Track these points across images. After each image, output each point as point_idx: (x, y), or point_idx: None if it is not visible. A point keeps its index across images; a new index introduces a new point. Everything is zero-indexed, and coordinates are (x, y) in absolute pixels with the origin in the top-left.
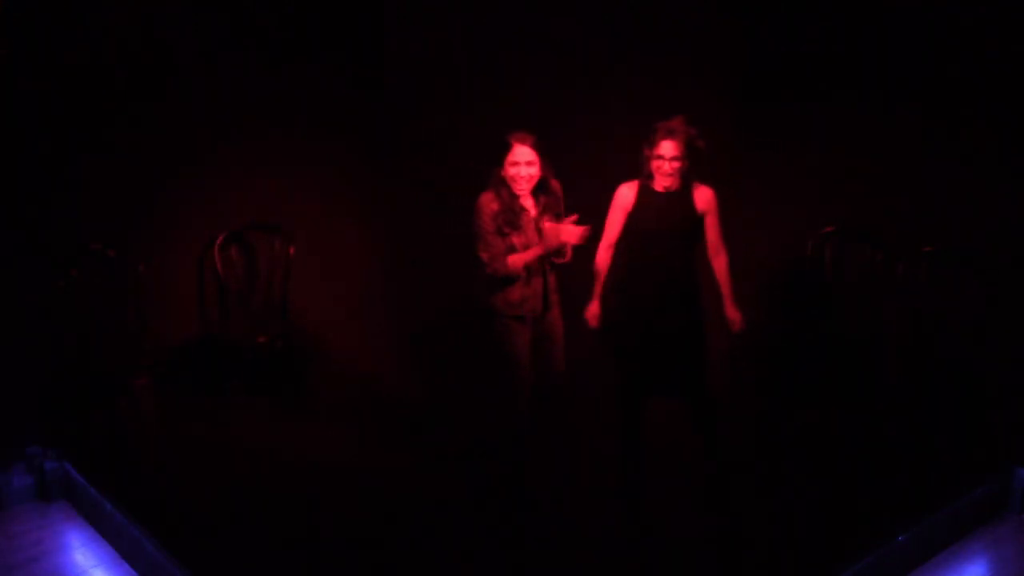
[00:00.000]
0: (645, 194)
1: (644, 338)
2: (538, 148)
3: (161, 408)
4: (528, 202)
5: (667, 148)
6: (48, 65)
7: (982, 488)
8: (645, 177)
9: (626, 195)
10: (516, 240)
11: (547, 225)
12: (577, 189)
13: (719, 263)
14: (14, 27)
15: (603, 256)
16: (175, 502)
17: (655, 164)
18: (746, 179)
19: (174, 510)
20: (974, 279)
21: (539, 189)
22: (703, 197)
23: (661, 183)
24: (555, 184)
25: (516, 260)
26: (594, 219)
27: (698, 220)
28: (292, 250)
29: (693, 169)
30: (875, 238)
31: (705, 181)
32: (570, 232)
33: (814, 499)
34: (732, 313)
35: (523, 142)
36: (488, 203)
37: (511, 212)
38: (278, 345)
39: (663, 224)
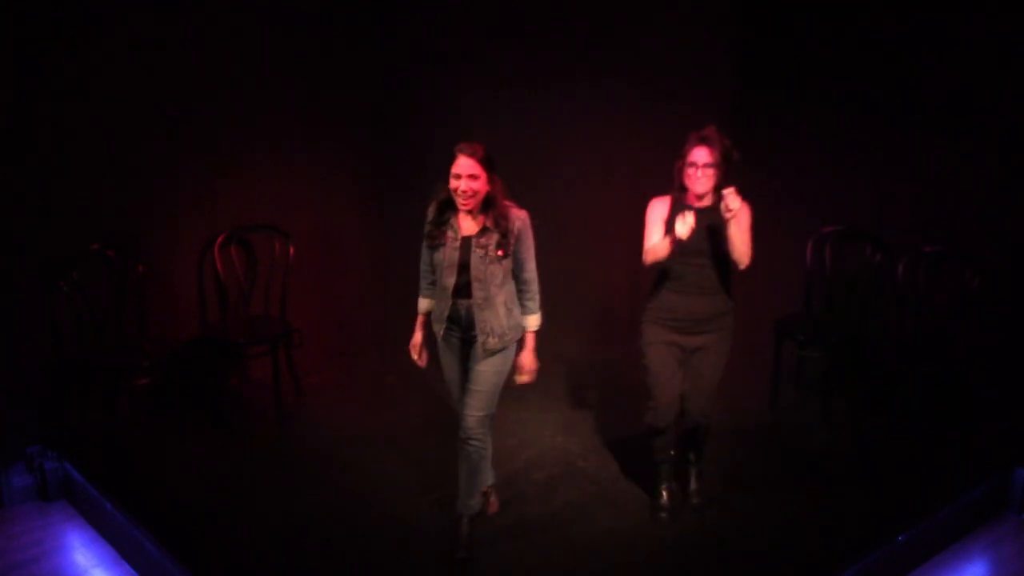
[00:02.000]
0: (678, 210)
1: (672, 354)
2: (485, 163)
3: (161, 408)
4: (465, 221)
5: (700, 155)
6: (48, 65)
7: (982, 488)
8: (678, 190)
9: (660, 208)
10: (439, 256)
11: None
12: (578, 190)
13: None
14: (14, 26)
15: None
16: (175, 502)
17: (688, 172)
18: (745, 178)
19: (174, 510)
20: (974, 279)
21: (485, 209)
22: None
23: (694, 193)
24: (506, 207)
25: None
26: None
27: None
28: (292, 250)
29: (726, 182)
30: (875, 238)
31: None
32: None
33: (814, 499)
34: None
35: (466, 153)
36: (431, 212)
37: (440, 224)
38: (278, 345)
39: (698, 242)
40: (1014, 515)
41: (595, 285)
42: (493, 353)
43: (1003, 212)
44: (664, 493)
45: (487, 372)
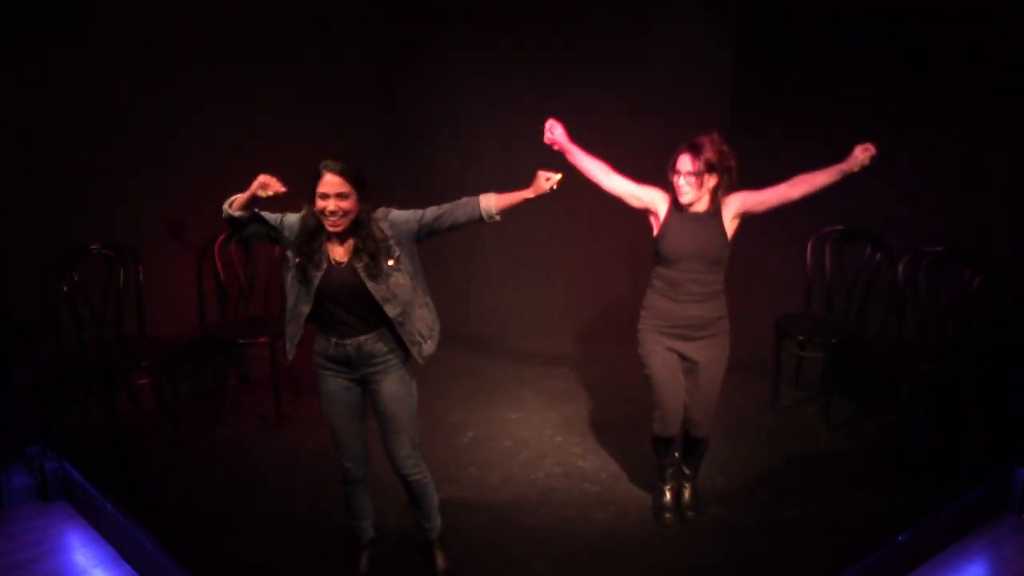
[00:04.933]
0: (675, 213)
1: (673, 360)
2: (356, 182)
3: (161, 408)
4: (337, 247)
5: (684, 162)
6: (48, 64)
7: (982, 488)
8: (674, 196)
9: (658, 194)
10: (307, 287)
11: None
12: (578, 191)
13: (802, 182)
14: (14, 25)
15: (608, 176)
16: (175, 502)
17: (673, 180)
18: (745, 178)
19: (174, 510)
20: (974, 279)
21: (354, 232)
22: (734, 205)
23: (681, 201)
24: (371, 226)
25: None
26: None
27: (729, 244)
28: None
29: (724, 189)
30: (875, 238)
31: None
32: None
33: (814, 499)
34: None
35: (334, 170)
36: (299, 236)
37: (313, 252)
38: (278, 345)
39: (691, 248)
40: (1014, 515)
41: (595, 285)
42: (396, 385)
43: (1003, 212)
44: (668, 493)
45: (399, 408)
